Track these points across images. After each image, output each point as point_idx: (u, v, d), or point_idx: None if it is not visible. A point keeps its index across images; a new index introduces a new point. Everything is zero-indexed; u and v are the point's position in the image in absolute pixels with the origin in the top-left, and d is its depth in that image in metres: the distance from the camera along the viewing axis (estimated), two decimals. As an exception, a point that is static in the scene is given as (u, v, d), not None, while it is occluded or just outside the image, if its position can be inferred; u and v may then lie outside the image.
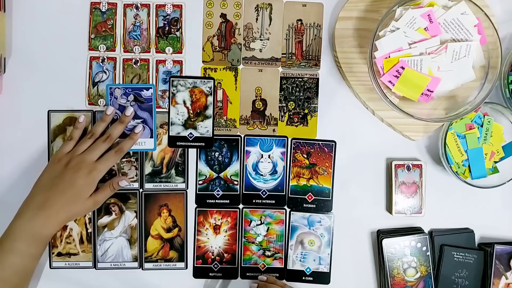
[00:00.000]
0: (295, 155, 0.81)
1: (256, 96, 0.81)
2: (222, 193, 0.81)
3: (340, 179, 0.81)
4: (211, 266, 0.81)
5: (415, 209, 0.80)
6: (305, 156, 0.81)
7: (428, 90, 0.74)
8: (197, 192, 0.81)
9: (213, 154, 0.81)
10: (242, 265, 0.81)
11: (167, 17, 0.80)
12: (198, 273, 0.81)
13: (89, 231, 0.79)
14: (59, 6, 0.80)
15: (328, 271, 0.81)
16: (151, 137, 0.79)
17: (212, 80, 0.80)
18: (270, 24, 0.81)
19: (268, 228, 0.81)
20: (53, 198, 0.70)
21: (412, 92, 0.75)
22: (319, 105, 0.81)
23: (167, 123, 0.80)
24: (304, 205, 0.81)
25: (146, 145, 0.79)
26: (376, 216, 0.82)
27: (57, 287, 0.79)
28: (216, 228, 0.81)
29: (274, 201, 0.81)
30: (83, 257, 0.79)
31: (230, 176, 0.81)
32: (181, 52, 0.81)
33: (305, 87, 0.81)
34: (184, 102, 0.80)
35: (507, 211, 0.83)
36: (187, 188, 0.80)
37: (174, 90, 0.80)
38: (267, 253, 0.81)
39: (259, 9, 0.81)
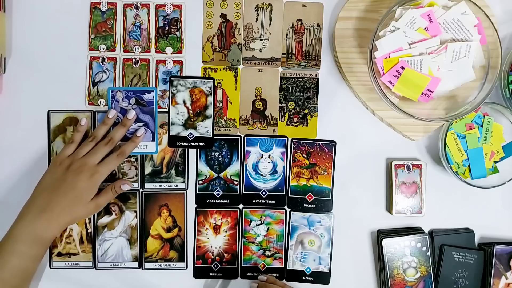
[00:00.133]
0: (295, 155, 0.81)
1: (256, 96, 0.81)
2: (222, 193, 0.81)
3: (340, 179, 0.81)
4: (211, 266, 0.81)
5: (415, 209, 0.80)
6: (305, 156, 0.81)
7: (428, 90, 0.74)
8: (197, 192, 0.81)
9: (213, 154, 0.81)
10: (242, 265, 0.81)
11: (167, 17, 0.80)
12: (198, 273, 0.81)
13: (89, 231, 0.79)
14: (59, 6, 0.80)
15: (328, 271, 0.81)
16: (153, 140, 0.79)
17: (212, 80, 0.80)
18: (270, 24, 0.81)
19: (268, 228, 0.81)
20: (54, 201, 0.70)
21: (412, 92, 0.75)
22: (319, 105, 0.81)
23: (167, 123, 0.80)
24: (304, 205, 0.81)
25: (148, 148, 0.79)
26: (376, 216, 0.82)
27: (57, 287, 0.79)
28: (216, 228, 0.81)
29: (274, 201, 0.81)
30: (83, 257, 0.79)
31: (230, 176, 0.81)
32: (181, 52, 0.81)
33: (305, 87, 0.81)
34: (184, 102, 0.80)
35: (507, 211, 0.83)
36: (187, 188, 0.80)
37: (174, 90, 0.80)
38: (267, 253, 0.81)
39: (259, 9, 0.81)
